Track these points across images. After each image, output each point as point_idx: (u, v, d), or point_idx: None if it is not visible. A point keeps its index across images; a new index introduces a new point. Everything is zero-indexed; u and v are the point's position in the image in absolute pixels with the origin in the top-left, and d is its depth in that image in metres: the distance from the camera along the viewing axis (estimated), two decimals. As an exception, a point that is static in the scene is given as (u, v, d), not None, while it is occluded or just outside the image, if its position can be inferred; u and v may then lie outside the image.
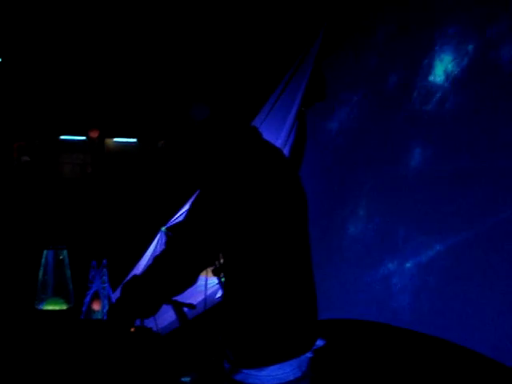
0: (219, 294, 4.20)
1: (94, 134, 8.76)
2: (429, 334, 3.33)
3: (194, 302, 2.95)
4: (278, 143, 4.49)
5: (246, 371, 1.84)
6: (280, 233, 1.84)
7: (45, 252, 1.91)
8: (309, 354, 1.91)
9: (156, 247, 5.53)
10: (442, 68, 3.28)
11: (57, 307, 1.88)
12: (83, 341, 1.81)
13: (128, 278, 5.23)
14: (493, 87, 3.03)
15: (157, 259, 1.81)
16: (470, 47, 3.13)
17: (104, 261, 4.24)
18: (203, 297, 3.94)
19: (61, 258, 1.92)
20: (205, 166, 1.95)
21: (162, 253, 1.83)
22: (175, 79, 2.14)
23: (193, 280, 1.80)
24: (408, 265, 3.54)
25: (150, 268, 1.80)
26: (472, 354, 3.07)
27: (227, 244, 1.82)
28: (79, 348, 1.76)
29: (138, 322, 1.93)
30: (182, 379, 2.05)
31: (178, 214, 5.48)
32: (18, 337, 1.86)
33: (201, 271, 1.83)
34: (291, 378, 1.84)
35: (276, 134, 4.60)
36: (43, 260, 1.91)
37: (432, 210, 3.34)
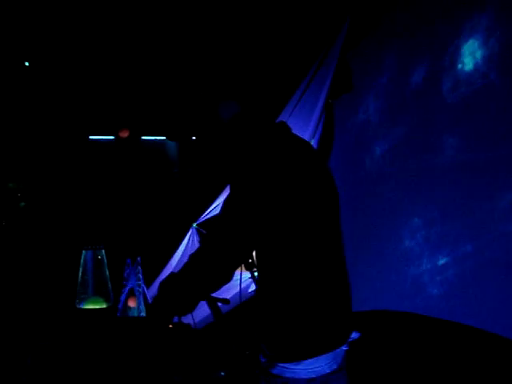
0: (252, 289, 4.22)
1: (124, 134, 8.82)
2: (463, 323, 3.31)
3: (228, 297, 2.98)
4: (306, 136, 4.48)
5: (282, 365, 1.86)
6: (312, 226, 1.85)
7: (83, 252, 1.95)
8: (344, 347, 1.93)
9: (188, 243, 5.59)
10: (471, 55, 3.23)
11: (97, 306, 1.92)
12: (125, 338, 1.85)
13: (162, 274, 5.30)
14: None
15: (192, 257, 1.84)
16: (498, 33, 3.08)
17: (138, 258, 4.31)
18: (236, 291, 3.97)
19: (99, 257, 1.96)
20: (236, 162, 1.96)
21: (198, 251, 1.85)
22: (202, 78, 2.15)
23: (229, 277, 1.82)
24: (439, 255, 3.52)
25: (186, 266, 1.83)
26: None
27: (260, 239, 1.84)
28: (121, 344, 1.81)
29: (175, 319, 1.97)
30: (217, 373, 2.08)
31: (209, 210, 5.52)
32: (65, 335, 1.91)
33: (237, 268, 1.86)
34: (327, 370, 1.85)
35: (303, 127, 4.60)
36: (82, 260, 1.95)
37: (466, 200, 3.30)
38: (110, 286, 2.01)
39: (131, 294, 3.95)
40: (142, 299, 3.98)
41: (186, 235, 5.59)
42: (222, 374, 2.05)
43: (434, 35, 3.56)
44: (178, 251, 5.55)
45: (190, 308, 1.84)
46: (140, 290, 3.79)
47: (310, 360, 1.82)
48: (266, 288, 1.92)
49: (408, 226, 3.81)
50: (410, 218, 3.79)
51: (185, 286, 1.80)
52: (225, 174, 2.13)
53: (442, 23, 3.49)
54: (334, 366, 1.88)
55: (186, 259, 1.88)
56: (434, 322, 3.57)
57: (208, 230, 1.90)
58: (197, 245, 5.58)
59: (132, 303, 3.95)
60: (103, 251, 1.99)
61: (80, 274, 1.95)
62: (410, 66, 3.82)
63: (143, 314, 4.10)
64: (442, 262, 3.51)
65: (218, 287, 1.84)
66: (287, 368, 1.84)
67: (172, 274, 1.87)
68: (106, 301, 1.98)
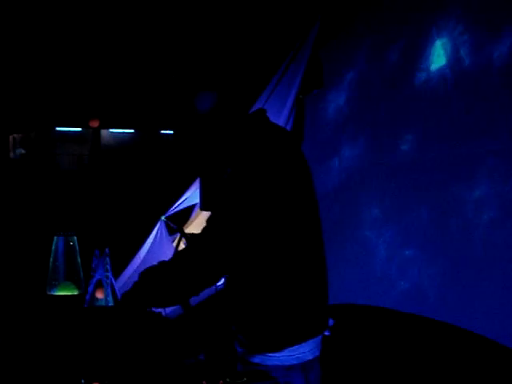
0: (222, 281, 4.22)
1: (95, 124, 8.73)
2: (433, 318, 3.37)
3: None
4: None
5: (262, 354, 1.85)
6: (292, 216, 1.84)
7: (55, 239, 1.93)
8: (326, 333, 1.93)
9: (156, 236, 5.55)
10: (441, 52, 3.29)
11: (69, 292, 1.91)
12: (97, 325, 1.84)
13: (129, 266, 5.21)
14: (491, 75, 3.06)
15: (181, 257, 1.82)
16: (468, 34, 3.15)
17: (106, 249, 4.23)
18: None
19: (71, 244, 1.95)
20: (219, 154, 1.94)
21: (187, 252, 1.84)
22: (177, 69, 2.14)
23: (216, 281, 1.81)
24: (411, 249, 3.57)
25: (173, 264, 1.81)
26: (482, 340, 3.09)
27: (246, 233, 1.79)
28: (93, 331, 1.80)
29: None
30: (187, 361, 2.07)
31: (178, 203, 5.49)
32: (34, 322, 1.90)
33: (227, 272, 1.83)
34: (310, 357, 1.86)
35: (274, 121, 4.61)
36: (53, 247, 1.93)
37: (435, 194, 3.37)
38: (81, 273, 2.00)
39: (99, 285, 3.89)
40: (109, 290, 3.92)
41: (154, 228, 5.54)
42: (192, 361, 2.05)
43: (406, 32, 3.62)
44: (146, 244, 5.50)
45: (169, 305, 1.85)
46: (108, 281, 3.73)
47: (291, 347, 1.82)
48: (241, 278, 1.89)
49: (381, 218, 3.85)
50: (383, 212, 3.84)
51: (169, 285, 1.78)
52: (198, 166, 2.11)
53: (413, 22, 3.55)
54: (317, 353, 1.89)
55: (155, 250, 1.87)
56: (401, 317, 3.63)
57: (200, 232, 1.85)
58: (165, 238, 5.55)
59: (100, 294, 3.90)
60: (75, 238, 1.97)
61: (51, 261, 1.93)
62: (380, 63, 3.87)
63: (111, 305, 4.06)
64: (408, 256, 3.57)
65: (201, 290, 1.81)
66: (268, 356, 1.84)
67: (153, 268, 1.83)
68: (78, 287, 1.96)
